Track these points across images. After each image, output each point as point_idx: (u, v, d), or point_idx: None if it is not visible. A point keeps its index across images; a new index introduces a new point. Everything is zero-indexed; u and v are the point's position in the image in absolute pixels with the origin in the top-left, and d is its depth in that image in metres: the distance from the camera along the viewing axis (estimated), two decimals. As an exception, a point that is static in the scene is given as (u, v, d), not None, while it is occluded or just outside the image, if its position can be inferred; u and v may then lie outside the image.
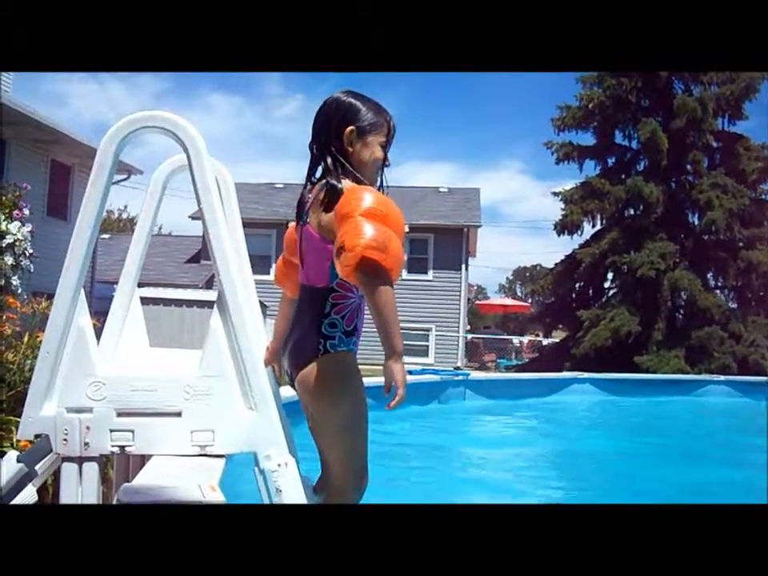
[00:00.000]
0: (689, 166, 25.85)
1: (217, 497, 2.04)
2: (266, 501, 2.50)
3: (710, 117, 24.84)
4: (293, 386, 2.88)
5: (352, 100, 2.81)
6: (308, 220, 2.80)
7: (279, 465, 2.48)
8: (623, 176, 26.24)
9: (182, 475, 2.26)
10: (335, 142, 2.77)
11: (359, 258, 2.48)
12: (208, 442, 2.49)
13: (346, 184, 2.66)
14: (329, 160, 2.76)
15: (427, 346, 29.09)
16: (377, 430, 5.56)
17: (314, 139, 2.83)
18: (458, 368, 22.73)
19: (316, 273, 2.82)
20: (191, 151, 2.36)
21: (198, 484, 2.09)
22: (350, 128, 2.76)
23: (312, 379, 2.79)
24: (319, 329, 2.81)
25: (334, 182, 2.67)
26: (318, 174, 2.86)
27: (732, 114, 26.15)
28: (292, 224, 3.10)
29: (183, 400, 2.47)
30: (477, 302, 48.26)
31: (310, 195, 2.83)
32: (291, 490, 2.49)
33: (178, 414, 2.48)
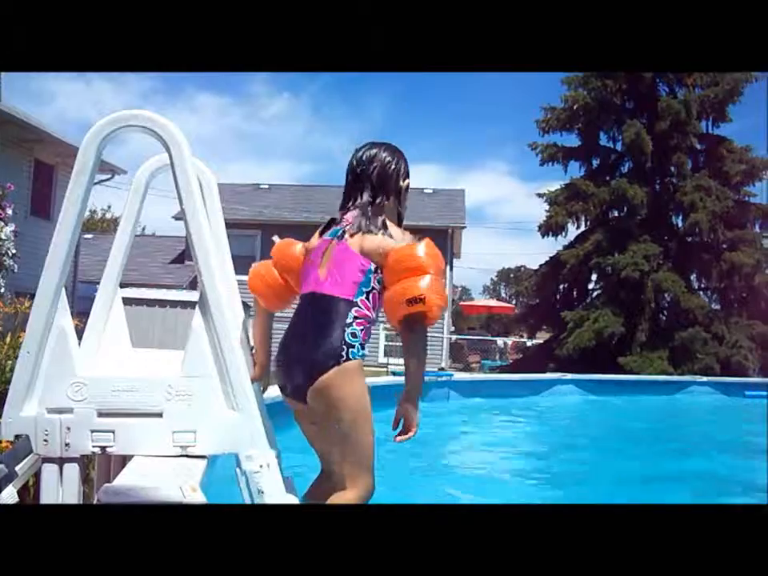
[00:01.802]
0: (673, 168, 25.92)
1: (197, 497, 2.03)
2: (248, 502, 2.49)
3: (693, 119, 24.92)
4: (296, 397, 2.83)
5: (401, 154, 3.28)
6: (345, 238, 3.06)
7: (261, 466, 2.48)
8: (607, 178, 26.28)
9: (162, 476, 2.25)
10: (395, 193, 3.25)
11: (432, 314, 2.88)
12: (189, 442, 2.49)
13: (395, 230, 3.18)
14: (383, 202, 3.20)
15: (412, 347, 29.04)
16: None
17: (373, 185, 3.18)
18: (442, 369, 22.75)
19: (345, 285, 2.98)
20: (173, 151, 2.35)
21: (178, 485, 2.08)
22: (408, 182, 3.30)
23: (335, 386, 2.79)
24: (342, 337, 2.85)
25: (387, 223, 3.17)
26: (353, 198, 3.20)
27: (716, 116, 26.24)
28: (288, 241, 3.47)
29: (164, 400, 2.46)
30: (461, 303, 48.27)
31: (348, 217, 3.12)
32: (273, 491, 2.49)
33: (159, 415, 2.47)
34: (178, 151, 2.35)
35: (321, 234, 3.25)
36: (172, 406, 2.46)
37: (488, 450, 4.49)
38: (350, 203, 3.21)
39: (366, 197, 3.18)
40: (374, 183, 3.20)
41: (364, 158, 3.22)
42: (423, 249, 3.12)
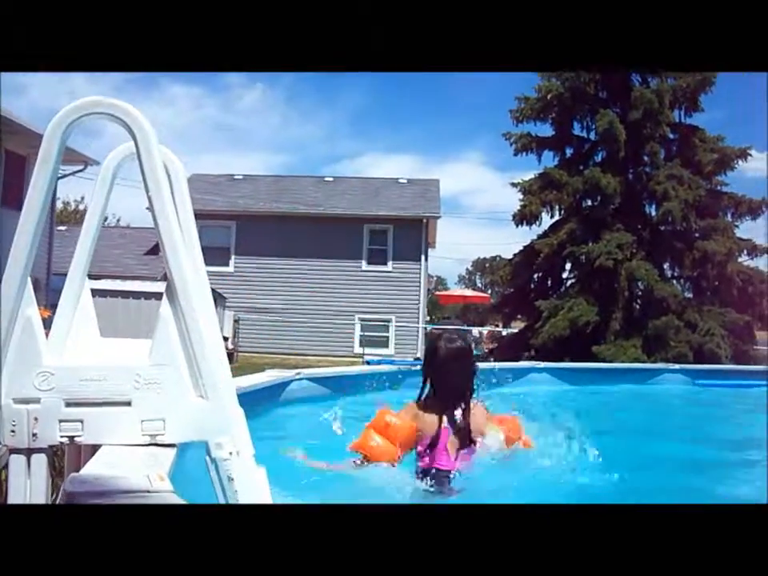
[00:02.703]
0: (646, 158, 26.10)
1: (164, 486, 2.02)
2: (218, 490, 2.48)
3: (666, 109, 25.07)
4: None
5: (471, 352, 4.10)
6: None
7: (231, 453, 2.46)
8: (581, 167, 26.41)
9: (130, 465, 2.24)
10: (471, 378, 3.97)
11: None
12: (158, 431, 2.47)
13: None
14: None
15: (387, 337, 29.16)
16: (335, 421, 5.57)
17: (453, 374, 3.92)
18: (417, 359, 22.79)
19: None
20: (139, 137, 2.33)
21: (146, 473, 2.08)
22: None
23: None
24: None
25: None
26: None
27: (688, 106, 26.41)
28: (407, 425, 4.00)
29: (133, 389, 2.45)
30: (436, 292, 48.38)
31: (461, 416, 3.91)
32: (243, 478, 2.48)
33: (128, 404, 2.45)
34: (143, 138, 2.33)
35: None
36: (141, 394, 2.45)
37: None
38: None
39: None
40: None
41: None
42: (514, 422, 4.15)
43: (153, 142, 2.36)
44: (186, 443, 2.61)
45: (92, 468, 2.27)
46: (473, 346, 4.12)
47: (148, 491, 1.97)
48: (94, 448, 2.63)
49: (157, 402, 2.46)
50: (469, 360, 4.02)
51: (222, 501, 2.48)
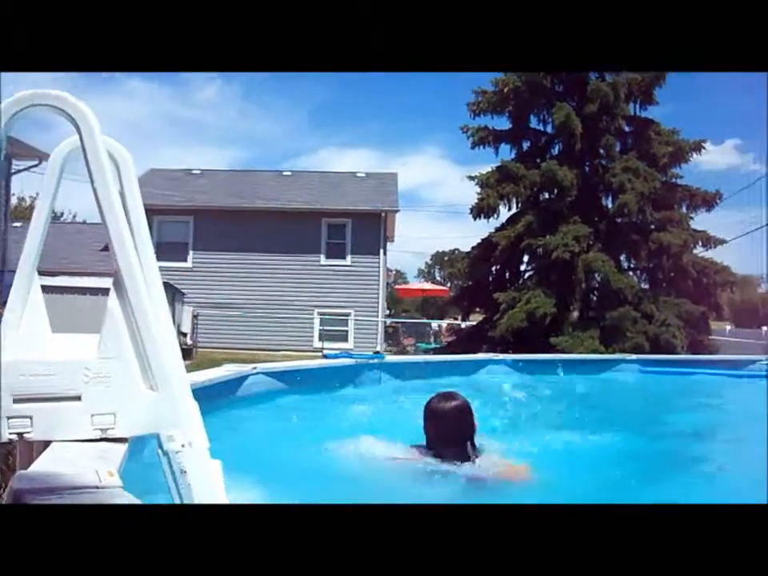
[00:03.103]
0: (602, 150, 26.25)
1: (114, 481, 2.00)
2: (171, 483, 2.47)
3: (622, 102, 25.27)
4: None
5: (466, 400, 4.20)
6: None
7: (183, 445, 2.44)
8: (538, 160, 26.51)
9: (80, 460, 2.22)
10: (471, 433, 4.11)
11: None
12: (109, 425, 2.45)
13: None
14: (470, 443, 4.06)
15: (346, 331, 29.15)
16: (293, 415, 5.57)
17: (451, 434, 4.10)
18: (377, 352, 22.81)
19: None
20: (83, 128, 2.31)
21: (95, 469, 2.05)
22: (474, 424, 4.15)
23: None
24: None
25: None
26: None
27: (643, 99, 26.60)
28: None
29: (82, 383, 2.42)
30: (396, 286, 48.44)
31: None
32: (196, 471, 2.46)
33: (78, 398, 2.43)
34: (87, 129, 2.31)
35: None
36: (90, 388, 2.42)
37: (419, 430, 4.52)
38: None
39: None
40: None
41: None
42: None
43: (96, 132, 2.34)
44: (138, 437, 2.60)
45: (41, 465, 2.25)
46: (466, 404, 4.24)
47: (97, 487, 1.95)
48: (47, 444, 2.60)
49: (107, 395, 2.43)
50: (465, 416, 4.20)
51: (174, 494, 2.47)
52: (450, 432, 4.09)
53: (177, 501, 2.45)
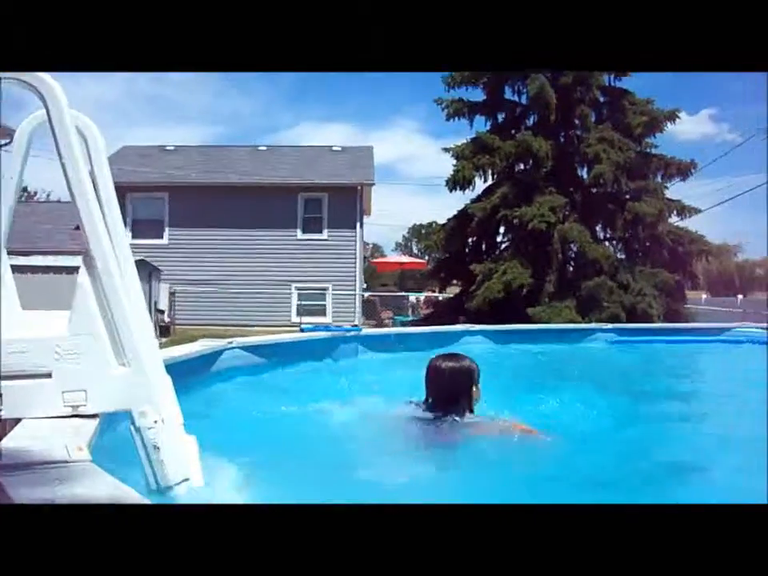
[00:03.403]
0: (577, 121, 26.24)
1: (83, 456, 2.00)
2: (144, 458, 2.47)
3: (596, 72, 25.24)
4: None
5: (469, 368, 4.19)
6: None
7: (156, 421, 2.45)
8: (513, 131, 26.49)
9: (51, 436, 2.21)
10: (467, 399, 4.12)
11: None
12: (80, 401, 2.45)
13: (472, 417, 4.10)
14: (467, 405, 4.11)
15: (324, 306, 29.13)
16: (270, 391, 5.57)
17: (445, 396, 4.13)
18: (355, 326, 22.81)
19: None
20: (50, 103, 2.29)
21: (64, 444, 2.05)
22: (475, 388, 4.15)
23: None
24: None
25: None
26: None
27: (617, 68, 26.62)
28: None
29: (53, 360, 2.42)
30: (373, 260, 48.40)
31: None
32: (169, 447, 2.46)
33: (48, 375, 2.43)
34: (54, 103, 2.29)
35: None
36: (61, 365, 2.42)
37: (396, 400, 4.55)
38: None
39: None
40: None
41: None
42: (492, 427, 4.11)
43: (64, 108, 2.32)
44: (110, 413, 2.59)
45: (11, 440, 2.24)
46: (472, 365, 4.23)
47: (66, 462, 1.95)
48: (18, 421, 2.59)
49: (78, 372, 2.43)
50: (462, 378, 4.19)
51: (147, 470, 2.47)
52: (445, 392, 4.12)
53: (150, 476, 2.46)
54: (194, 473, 2.55)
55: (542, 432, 4.06)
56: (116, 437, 2.66)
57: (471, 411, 4.11)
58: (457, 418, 4.03)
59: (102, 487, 1.75)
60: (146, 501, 1.69)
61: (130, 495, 1.69)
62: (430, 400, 4.18)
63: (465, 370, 4.18)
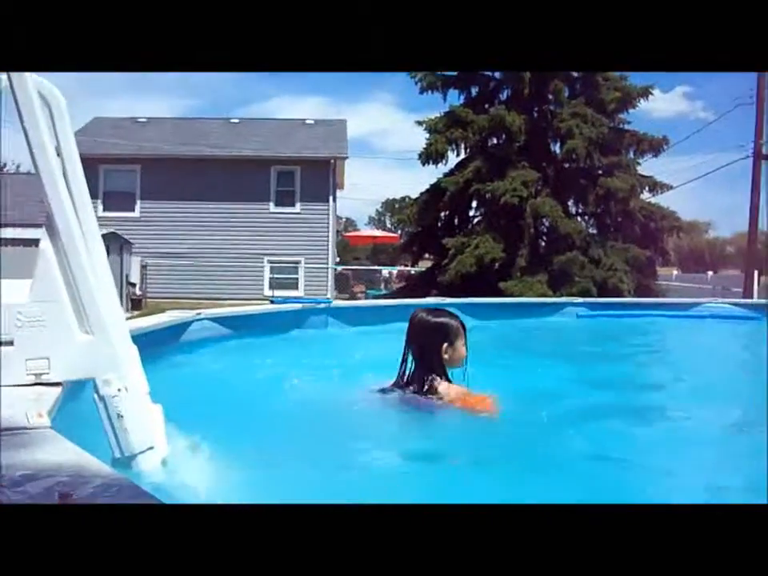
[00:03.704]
0: (550, 96, 26.29)
1: (42, 422, 1.99)
2: (107, 427, 2.45)
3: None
4: None
5: (442, 323, 4.00)
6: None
7: (119, 390, 2.43)
8: (486, 105, 26.50)
9: (11, 404, 2.19)
10: (436, 356, 3.94)
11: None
12: (43, 369, 2.43)
13: (445, 381, 3.93)
14: (436, 365, 3.94)
15: (297, 279, 29.12)
16: (238, 362, 5.57)
17: (415, 350, 4.00)
18: (327, 298, 22.81)
19: None
20: (11, 68, 2.26)
21: (25, 411, 2.03)
22: (444, 345, 3.94)
23: None
24: None
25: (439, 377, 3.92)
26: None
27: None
28: None
29: (15, 328, 2.40)
30: (346, 234, 48.34)
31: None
32: (133, 415, 2.45)
33: (11, 343, 2.41)
34: (15, 68, 2.26)
35: None
36: (23, 332, 2.40)
37: (363, 373, 4.56)
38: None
39: None
40: None
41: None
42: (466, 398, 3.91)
43: (26, 73, 2.29)
44: (74, 381, 2.57)
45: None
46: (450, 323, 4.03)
47: (25, 428, 1.94)
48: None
49: (40, 340, 2.41)
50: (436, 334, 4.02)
51: (111, 438, 2.45)
52: (414, 345, 4.01)
53: (114, 445, 2.44)
54: (158, 442, 2.54)
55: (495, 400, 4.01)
56: (79, 405, 2.64)
57: (444, 373, 3.97)
58: (413, 390, 3.92)
59: (62, 453, 1.74)
60: (108, 468, 1.68)
61: (91, 462, 1.68)
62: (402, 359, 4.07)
63: (437, 325, 4.03)
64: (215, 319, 6.24)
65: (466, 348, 4.03)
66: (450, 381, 3.96)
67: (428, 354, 3.98)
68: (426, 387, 3.91)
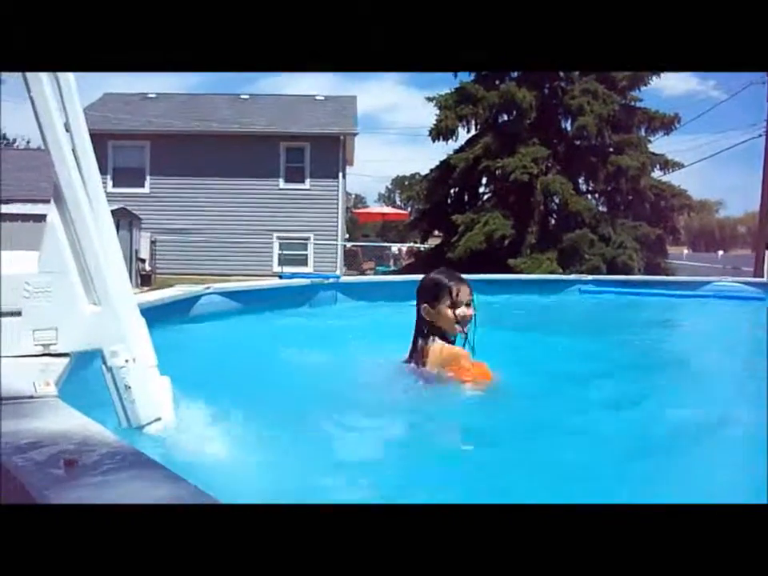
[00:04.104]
0: (561, 72, 26.15)
1: (50, 391, 2.00)
2: (116, 398, 2.47)
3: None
4: None
5: (426, 282, 3.96)
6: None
7: (127, 360, 2.45)
8: (497, 81, 26.37)
9: (19, 373, 2.21)
10: (418, 316, 3.93)
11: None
12: (51, 340, 2.45)
13: (436, 342, 3.84)
14: (423, 326, 3.91)
15: (306, 255, 29.12)
16: (247, 336, 5.58)
17: (416, 310, 3.96)
18: (335, 274, 22.79)
19: None
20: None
21: (32, 380, 2.05)
22: (424, 305, 3.89)
23: None
24: None
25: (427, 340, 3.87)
26: None
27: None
28: None
29: (23, 298, 2.41)
30: (355, 210, 48.29)
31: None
32: (140, 386, 2.47)
33: (18, 314, 2.42)
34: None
35: None
36: (31, 303, 2.41)
37: (372, 348, 4.58)
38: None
39: None
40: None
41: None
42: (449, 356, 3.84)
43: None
44: (82, 352, 2.59)
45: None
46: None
47: (32, 397, 1.95)
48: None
49: (48, 310, 2.43)
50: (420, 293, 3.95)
51: (119, 409, 2.47)
52: (417, 305, 3.96)
53: (121, 416, 2.46)
54: (165, 413, 2.56)
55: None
56: (86, 375, 2.66)
57: (430, 336, 3.87)
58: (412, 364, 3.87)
59: (68, 421, 1.75)
60: (113, 436, 1.69)
61: (97, 430, 1.70)
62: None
63: (422, 284, 3.99)
64: (224, 294, 6.26)
65: (465, 315, 3.86)
66: (444, 343, 3.85)
67: (417, 315, 3.93)
68: (415, 353, 3.88)
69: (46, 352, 2.44)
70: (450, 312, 3.84)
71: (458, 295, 3.85)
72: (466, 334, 3.89)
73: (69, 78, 2.90)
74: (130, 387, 2.44)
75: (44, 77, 2.34)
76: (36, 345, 2.43)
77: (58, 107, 2.46)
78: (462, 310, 3.85)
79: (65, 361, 2.43)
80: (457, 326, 3.87)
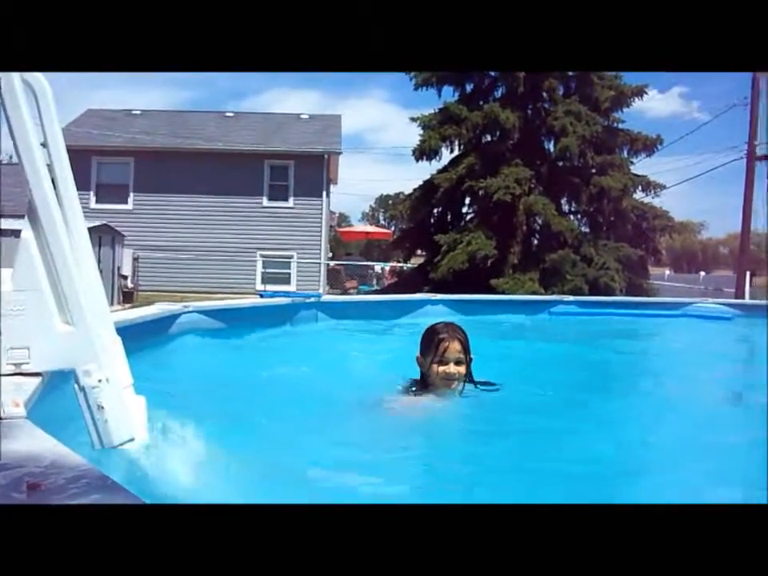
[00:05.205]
0: (544, 93, 26.30)
1: (18, 412, 1.97)
2: (88, 419, 2.43)
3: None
4: None
5: (424, 332, 4.09)
6: None
7: (100, 380, 2.41)
8: (481, 102, 26.49)
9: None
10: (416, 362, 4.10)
11: None
12: (23, 359, 2.41)
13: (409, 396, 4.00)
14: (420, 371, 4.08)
15: (289, 274, 29.08)
16: (226, 355, 5.55)
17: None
18: (318, 292, 22.74)
19: None
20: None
21: (1, 400, 2.01)
22: (417, 354, 4.07)
23: None
24: None
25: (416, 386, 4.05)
26: None
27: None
28: None
29: (-5, 317, 2.38)
30: (339, 229, 48.32)
31: None
32: (113, 406, 2.43)
33: (-9, 332, 2.38)
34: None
35: None
36: (4, 321, 2.37)
37: (351, 366, 4.56)
38: None
39: None
40: None
41: None
42: None
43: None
44: (55, 371, 2.55)
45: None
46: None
47: (0, 418, 1.92)
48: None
49: (21, 329, 2.39)
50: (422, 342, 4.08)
51: (91, 430, 2.44)
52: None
53: (94, 436, 2.43)
54: (139, 433, 2.52)
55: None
56: (59, 396, 2.62)
57: (424, 382, 4.04)
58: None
59: (35, 444, 1.72)
60: (81, 459, 1.65)
61: (64, 453, 1.66)
62: None
63: (422, 332, 4.13)
64: (204, 312, 6.21)
65: (448, 373, 3.91)
66: (421, 388, 4.00)
67: (419, 358, 4.07)
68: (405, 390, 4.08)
69: (18, 371, 2.41)
70: (435, 367, 3.92)
71: (444, 352, 3.90)
72: (464, 383, 3.97)
73: (46, 91, 2.87)
74: (102, 407, 2.40)
75: (19, 90, 2.31)
76: (8, 363, 2.39)
77: (34, 123, 2.43)
78: (445, 368, 3.90)
79: (37, 380, 2.39)
80: (441, 382, 3.92)
